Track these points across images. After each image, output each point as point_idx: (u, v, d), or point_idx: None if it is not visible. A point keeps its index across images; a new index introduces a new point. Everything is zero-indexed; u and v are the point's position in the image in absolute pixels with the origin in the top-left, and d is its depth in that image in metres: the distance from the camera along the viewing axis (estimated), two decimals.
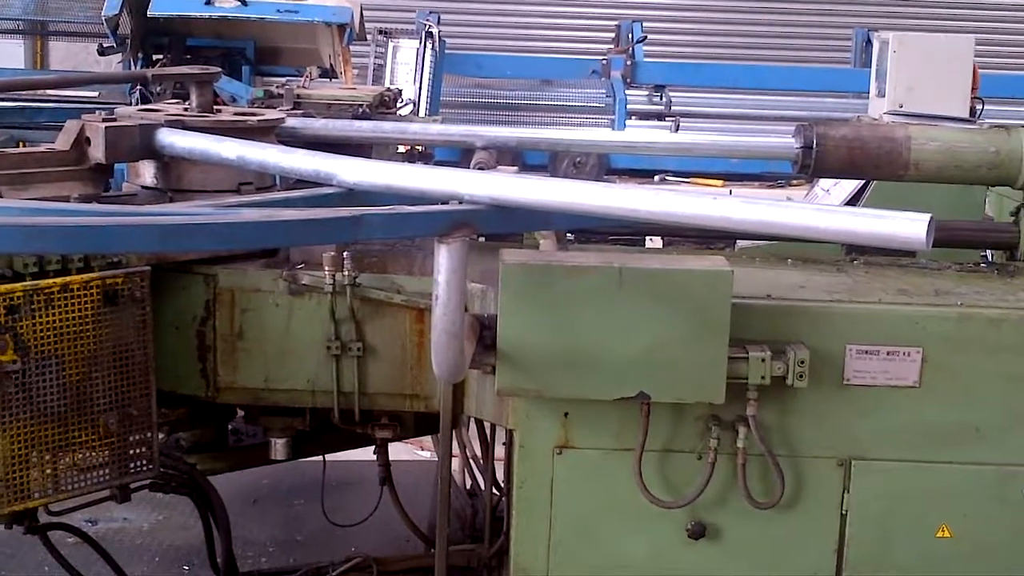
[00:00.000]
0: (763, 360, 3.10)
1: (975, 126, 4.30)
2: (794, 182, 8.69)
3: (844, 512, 3.29)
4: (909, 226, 2.44)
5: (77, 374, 3.16)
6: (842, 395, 3.23)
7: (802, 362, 3.12)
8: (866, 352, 3.21)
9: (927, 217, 2.44)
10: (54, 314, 3.12)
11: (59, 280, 3.12)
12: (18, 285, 3.06)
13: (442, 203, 2.96)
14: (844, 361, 3.21)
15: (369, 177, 3.06)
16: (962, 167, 3.63)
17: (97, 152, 3.51)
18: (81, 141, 3.54)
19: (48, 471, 3.16)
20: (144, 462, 3.34)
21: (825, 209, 2.64)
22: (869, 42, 9.78)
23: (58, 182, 3.50)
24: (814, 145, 3.61)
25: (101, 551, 3.90)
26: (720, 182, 8.86)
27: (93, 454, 3.23)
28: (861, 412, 3.24)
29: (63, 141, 3.55)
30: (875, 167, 3.65)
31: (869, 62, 9.05)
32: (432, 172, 3.07)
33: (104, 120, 3.56)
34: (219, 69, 4.12)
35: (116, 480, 3.32)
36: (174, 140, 3.48)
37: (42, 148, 3.61)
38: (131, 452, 3.30)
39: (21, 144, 5.91)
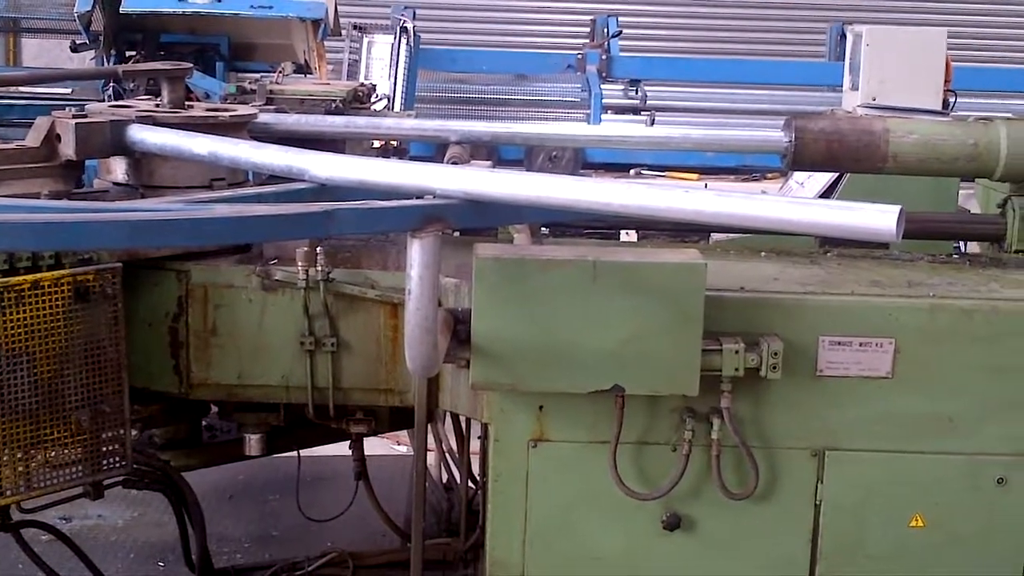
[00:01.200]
0: (737, 352, 3.11)
1: (949, 118, 4.32)
2: (768, 175, 8.71)
3: (818, 502, 3.30)
4: (879, 218, 2.45)
5: (48, 371, 3.14)
6: (815, 386, 3.24)
7: (776, 354, 3.13)
8: (839, 343, 3.22)
9: (897, 209, 2.45)
10: (25, 311, 3.10)
11: (29, 277, 3.10)
12: None
13: (416, 198, 2.96)
14: (817, 352, 3.22)
15: (341, 172, 3.05)
16: (941, 159, 3.65)
17: (68, 149, 3.49)
18: (51, 138, 3.52)
19: (20, 468, 3.14)
20: (117, 459, 3.32)
21: (796, 201, 2.65)
22: (844, 36, 9.81)
23: (28, 179, 3.48)
24: (792, 139, 3.63)
25: (75, 548, 3.88)
26: (695, 176, 8.88)
27: (65, 451, 3.22)
28: (834, 403, 3.26)
29: (33, 138, 3.53)
30: (854, 160, 3.67)
31: (844, 56, 9.08)
32: (404, 167, 3.06)
33: (75, 116, 3.54)
34: (190, 65, 4.10)
35: (89, 477, 3.30)
36: (145, 136, 3.46)
37: (12, 145, 3.59)
38: (104, 449, 3.28)
39: None
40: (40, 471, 3.19)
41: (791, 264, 3.67)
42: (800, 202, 2.65)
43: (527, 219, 3.38)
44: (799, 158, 3.68)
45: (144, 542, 4.57)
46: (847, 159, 3.68)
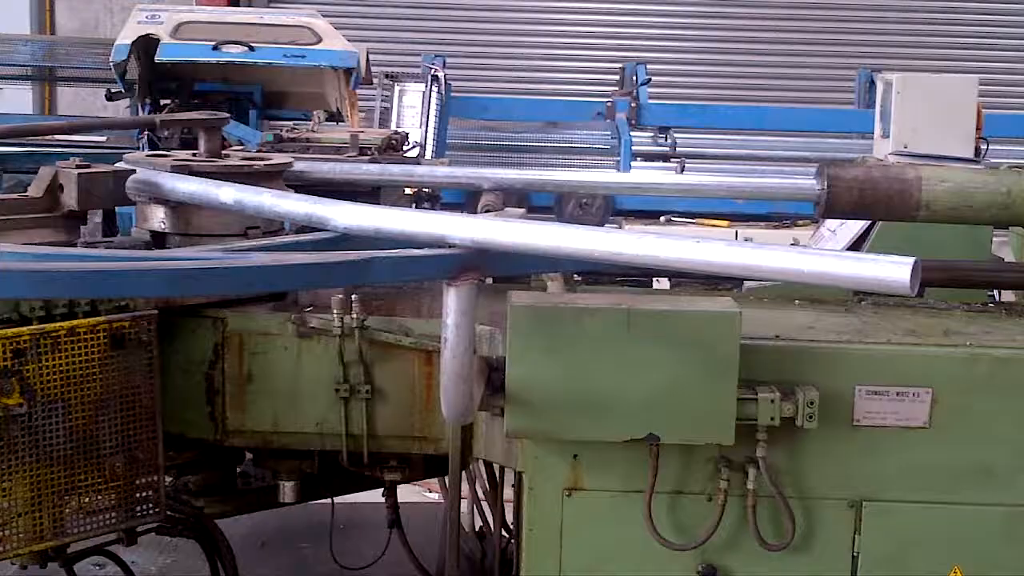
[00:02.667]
0: (772, 401, 3.09)
1: (981, 166, 4.31)
2: (799, 223, 8.69)
3: (855, 554, 3.27)
4: (894, 270, 2.41)
5: (83, 417, 3.16)
6: (852, 436, 3.22)
7: (811, 403, 3.11)
8: (875, 393, 3.20)
9: (911, 261, 2.41)
10: (61, 358, 3.12)
11: (66, 324, 3.13)
12: (24, 329, 3.07)
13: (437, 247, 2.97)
14: (854, 402, 3.20)
15: (360, 221, 3.06)
16: (973, 207, 3.64)
17: (70, 199, 3.51)
18: (54, 188, 3.54)
19: (55, 514, 3.15)
20: (151, 505, 3.33)
21: (809, 252, 2.61)
22: (872, 83, 9.82)
23: (30, 229, 3.51)
24: (825, 187, 3.63)
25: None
26: (725, 223, 8.88)
27: (99, 497, 3.23)
28: (871, 453, 3.23)
29: (36, 188, 3.56)
30: (887, 208, 3.66)
31: (872, 102, 9.08)
32: (420, 216, 3.06)
33: (78, 167, 3.57)
34: (228, 115, 4.15)
35: (123, 523, 3.31)
36: (176, 185, 3.49)
37: (15, 195, 3.62)
38: (138, 495, 3.30)
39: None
40: (74, 517, 3.20)
41: (825, 312, 3.66)
42: (813, 253, 2.62)
43: (561, 268, 3.39)
44: (832, 206, 3.67)
45: None
46: (880, 207, 3.67)
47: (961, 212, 3.65)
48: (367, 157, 4.27)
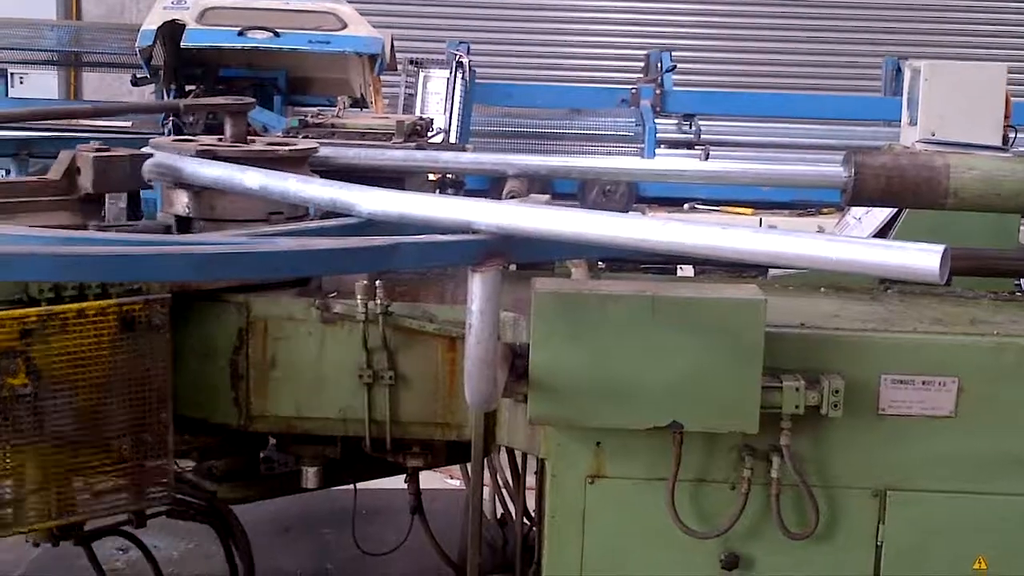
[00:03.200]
0: (797, 389, 3.08)
1: (1010, 154, 4.28)
2: (824, 210, 8.64)
3: (879, 543, 3.25)
4: (923, 257, 2.38)
5: (91, 399, 3.17)
6: (877, 425, 3.20)
7: (836, 391, 3.10)
8: (901, 382, 3.18)
9: (941, 248, 2.38)
10: (69, 339, 3.13)
11: (75, 306, 3.13)
12: (32, 310, 3.08)
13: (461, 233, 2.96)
14: (879, 391, 3.18)
15: (385, 207, 3.06)
16: (1001, 195, 3.61)
17: (86, 182, 3.52)
18: (72, 171, 3.56)
19: (62, 493, 3.16)
20: (160, 489, 3.34)
21: (837, 240, 2.59)
22: (899, 70, 9.75)
23: (48, 212, 3.53)
24: (852, 174, 3.61)
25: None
26: (750, 211, 8.83)
27: (108, 478, 3.24)
28: (896, 442, 3.21)
29: (55, 171, 3.57)
30: (914, 195, 3.64)
31: (899, 90, 9.01)
32: (446, 202, 3.06)
33: (96, 151, 3.58)
34: (253, 100, 4.15)
35: (132, 505, 3.32)
36: (199, 170, 3.50)
37: (33, 177, 3.64)
38: (147, 478, 3.30)
39: None
40: (82, 497, 3.20)
41: (851, 301, 3.64)
42: (842, 240, 2.59)
43: (585, 254, 3.38)
44: (859, 193, 3.65)
45: (199, 574, 4.58)
46: (907, 195, 3.65)
47: (989, 200, 3.63)
48: (412, 144, 4.25)
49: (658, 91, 9.92)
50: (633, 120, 9.72)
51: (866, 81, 12.47)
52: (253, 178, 3.35)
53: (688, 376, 3.04)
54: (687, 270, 4.52)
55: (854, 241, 2.60)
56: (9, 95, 10.68)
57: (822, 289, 3.80)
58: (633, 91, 10.00)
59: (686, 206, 9.07)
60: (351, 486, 4.00)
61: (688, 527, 3.20)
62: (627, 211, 8.89)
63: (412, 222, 2.99)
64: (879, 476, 3.23)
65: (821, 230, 5.65)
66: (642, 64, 10.76)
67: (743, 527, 3.22)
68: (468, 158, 4.35)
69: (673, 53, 10.56)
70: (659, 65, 10.29)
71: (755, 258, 2.64)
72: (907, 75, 8.32)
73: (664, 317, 3.03)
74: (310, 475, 3.80)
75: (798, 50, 13.68)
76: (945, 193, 3.60)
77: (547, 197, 3.87)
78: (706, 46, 13.46)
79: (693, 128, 9.83)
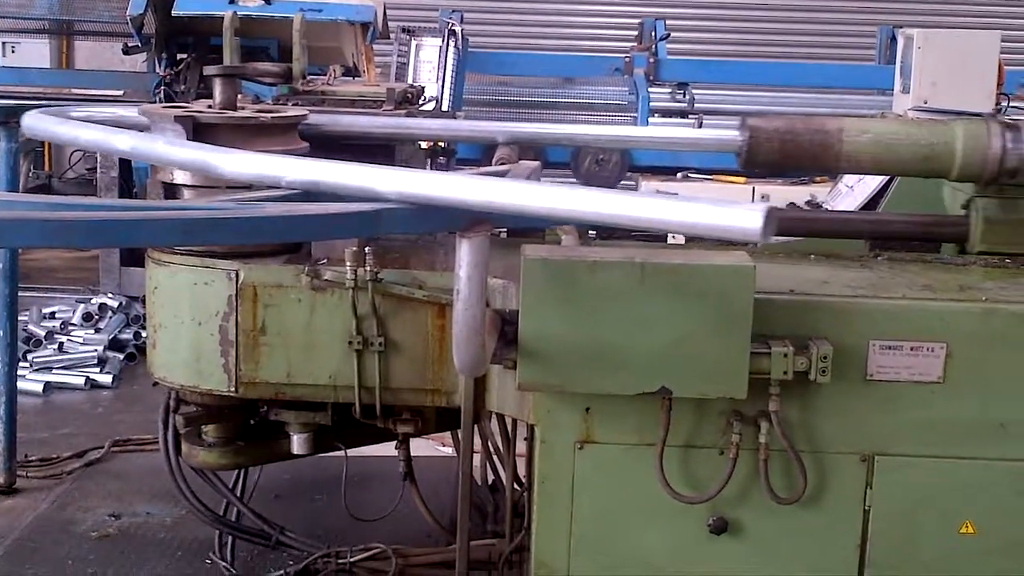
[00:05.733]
0: (786, 355, 3.09)
1: (913, 118, 4.29)
2: (817, 179, 8.62)
3: (867, 508, 3.27)
4: (746, 217, 2.43)
5: None
6: (865, 390, 3.21)
7: (825, 357, 3.11)
8: (889, 348, 3.19)
9: (764, 207, 2.43)
10: None
11: None
12: None
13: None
14: (868, 356, 3.19)
15: (248, 169, 3.03)
16: (895, 159, 3.64)
17: None
18: None
19: None
20: None
21: (664, 200, 2.62)
22: (894, 38, 9.71)
23: None
24: (746, 137, 3.63)
25: None
26: (743, 179, 8.82)
27: None
28: (884, 408, 3.22)
29: None
30: (810, 158, 3.67)
31: (893, 59, 8.98)
32: (304, 164, 3.03)
33: None
34: (251, 64, 4.13)
35: None
36: (76, 132, 3.48)
37: None
38: None
39: None
40: None
41: (841, 267, 3.65)
42: (665, 200, 2.62)
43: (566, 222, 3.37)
44: (752, 157, 3.69)
45: (192, 539, 4.60)
46: (803, 159, 3.69)
47: (883, 164, 3.68)
48: (402, 111, 4.23)
49: (652, 59, 9.87)
50: (626, 89, 9.68)
51: (860, 50, 12.43)
52: (124, 141, 3.35)
53: (677, 342, 3.05)
54: (679, 240, 4.51)
55: (683, 203, 2.60)
56: (1, 64, 10.62)
57: (812, 256, 3.80)
58: (627, 59, 9.95)
59: (679, 175, 9.05)
60: (341, 453, 4.00)
61: (677, 492, 3.21)
62: (620, 180, 8.87)
63: (277, 185, 2.98)
64: (867, 441, 3.25)
65: (813, 198, 5.62)
66: (635, 32, 10.71)
67: (731, 492, 3.23)
68: (459, 125, 4.34)
69: (667, 21, 10.51)
70: (653, 33, 10.24)
71: (595, 220, 2.70)
72: (901, 43, 8.30)
73: (653, 284, 3.04)
74: (300, 441, 3.81)
75: (793, 18, 13.62)
76: (839, 157, 3.64)
77: (537, 164, 3.86)
78: (700, 14, 13.39)
79: (687, 97, 9.79)
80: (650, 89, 9.59)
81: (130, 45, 9.06)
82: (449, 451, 4.94)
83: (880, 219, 4.05)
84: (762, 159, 3.68)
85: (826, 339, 3.15)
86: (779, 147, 3.64)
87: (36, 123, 3.62)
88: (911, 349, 3.19)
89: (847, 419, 3.23)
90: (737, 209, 2.46)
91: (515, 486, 4.01)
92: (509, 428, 3.93)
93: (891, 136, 3.63)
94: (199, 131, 3.55)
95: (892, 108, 7.78)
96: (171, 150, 3.23)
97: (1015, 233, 3.75)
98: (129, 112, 4.08)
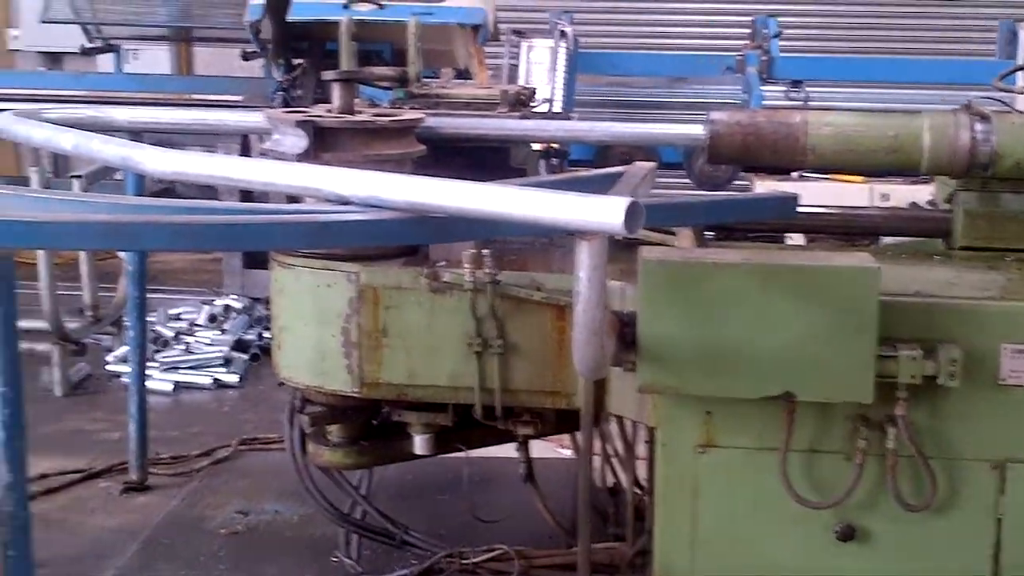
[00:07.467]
0: (914, 359, 3.03)
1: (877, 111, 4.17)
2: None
3: (1000, 516, 3.19)
4: (607, 211, 2.38)
5: None
6: (997, 396, 3.13)
7: (954, 361, 3.04)
8: (1022, 351, 3.10)
9: (626, 201, 2.36)
10: None
11: None
12: None
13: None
14: (999, 360, 3.11)
15: (173, 167, 3.10)
16: (858, 151, 3.58)
17: None
18: None
19: None
20: None
21: (521, 192, 2.57)
22: (1015, 34, 9.45)
23: None
24: (709, 131, 3.59)
25: None
26: (861, 178, 8.65)
27: None
28: (1017, 413, 3.14)
29: None
30: (772, 152, 3.62)
31: (1014, 54, 8.75)
32: (223, 161, 3.16)
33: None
34: (367, 68, 4.18)
35: None
36: (30, 132, 3.63)
37: None
38: None
39: None
40: None
41: (967, 268, 3.56)
42: (524, 192, 2.57)
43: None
44: (715, 151, 3.67)
45: (319, 536, 4.66)
46: (765, 152, 3.64)
47: (846, 157, 3.62)
48: (517, 112, 4.25)
49: (764, 57, 9.75)
50: (739, 88, 9.58)
51: (979, 45, 12.12)
52: (68, 139, 3.46)
53: (800, 345, 3.01)
54: (796, 238, 4.45)
55: (539, 194, 2.54)
56: (124, 71, 10.91)
57: (936, 256, 3.71)
58: (739, 58, 9.84)
59: (795, 174, 8.92)
60: (462, 454, 4.02)
61: (802, 497, 3.16)
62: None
63: (200, 182, 3.10)
64: (999, 448, 3.16)
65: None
66: (748, 31, 10.59)
67: (858, 498, 3.18)
68: (577, 126, 4.33)
69: (779, 18, 10.37)
70: (765, 31, 10.11)
71: (448, 210, 2.65)
72: (1022, 38, 8.08)
73: (776, 286, 3.00)
74: (421, 442, 3.85)
75: (910, 13, 13.32)
76: (803, 150, 3.58)
77: (652, 165, 3.83)
78: (814, 10, 13.17)
79: (801, 95, 9.65)
80: (763, 87, 9.48)
81: (248, 51, 9.24)
82: (568, 453, 4.94)
83: (859, 214, 4.03)
84: (725, 153, 3.67)
85: (954, 342, 3.07)
86: (741, 141, 3.62)
87: (1, 124, 3.78)
88: None
89: (977, 425, 3.15)
90: (599, 201, 2.39)
91: (635, 489, 4.00)
92: (629, 431, 3.92)
93: (852, 128, 3.58)
94: (319, 135, 3.61)
95: (1015, 104, 7.57)
96: (104, 148, 3.33)
97: (995, 228, 3.66)
98: (91, 112, 4.33)
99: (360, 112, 3.93)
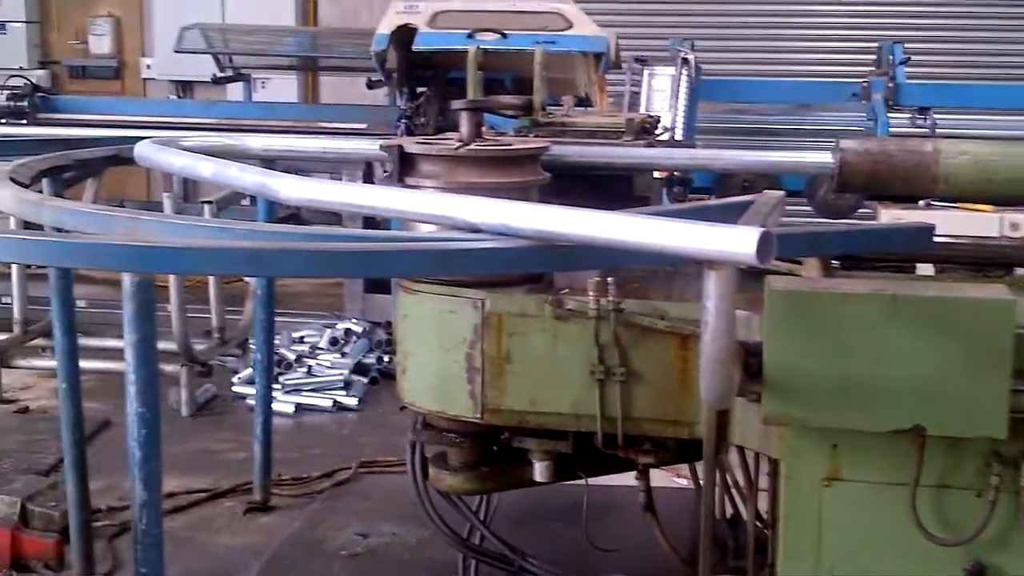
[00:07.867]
0: None
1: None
2: None
3: None
4: (738, 241, 2.34)
5: None
6: None
7: None
8: None
9: (758, 231, 2.30)
10: None
11: None
12: None
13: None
14: None
15: (307, 194, 3.22)
16: (994, 181, 3.53)
17: None
18: None
19: None
20: None
21: (651, 221, 2.53)
22: None
23: None
24: (838, 160, 3.55)
25: None
26: (990, 208, 8.44)
27: None
28: None
29: None
30: (902, 181, 3.59)
31: None
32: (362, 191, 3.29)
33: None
34: (494, 97, 4.23)
35: None
36: (172, 159, 3.83)
37: None
38: None
39: None
40: None
41: None
42: (654, 222, 2.53)
43: None
44: (844, 179, 3.65)
45: (438, 560, 4.70)
46: (896, 181, 3.61)
47: (981, 186, 3.58)
48: (641, 140, 4.26)
49: (890, 84, 9.60)
50: (864, 115, 9.44)
51: None
52: (207, 167, 3.62)
53: (931, 378, 2.95)
54: (926, 268, 4.37)
55: (665, 223, 2.51)
56: (253, 99, 11.21)
57: None
58: (864, 84, 9.70)
59: (921, 203, 8.74)
60: (581, 482, 4.02)
61: (931, 534, 3.10)
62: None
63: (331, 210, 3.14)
64: None
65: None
66: (873, 57, 10.44)
67: (990, 535, 3.09)
68: (701, 154, 4.33)
69: (906, 44, 10.21)
70: (891, 57, 9.96)
71: (570, 240, 2.68)
72: None
73: (906, 317, 2.95)
74: (542, 469, 3.86)
75: None
76: (935, 179, 3.53)
77: (781, 194, 3.80)
78: (941, 36, 12.94)
79: (928, 122, 9.47)
80: (889, 114, 9.32)
81: (373, 80, 9.43)
82: (685, 482, 4.91)
83: (991, 244, 3.98)
84: (854, 182, 3.64)
85: None
86: (871, 170, 3.59)
87: (143, 152, 3.99)
88: None
89: None
90: (731, 231, 2.37)
91: (757, 522, 3.95)
92: (751, 462, 3.88)
93: (989, 157, 3.54)
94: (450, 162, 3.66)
95: None
96: (242, 176, 3.47)
97: None
98: (227, 140, 4.61)
99: (486, 140, 3.98)
